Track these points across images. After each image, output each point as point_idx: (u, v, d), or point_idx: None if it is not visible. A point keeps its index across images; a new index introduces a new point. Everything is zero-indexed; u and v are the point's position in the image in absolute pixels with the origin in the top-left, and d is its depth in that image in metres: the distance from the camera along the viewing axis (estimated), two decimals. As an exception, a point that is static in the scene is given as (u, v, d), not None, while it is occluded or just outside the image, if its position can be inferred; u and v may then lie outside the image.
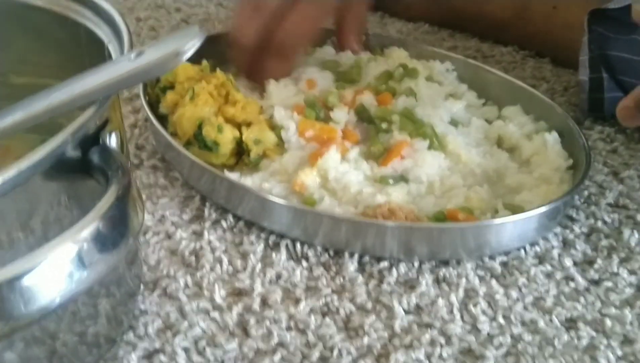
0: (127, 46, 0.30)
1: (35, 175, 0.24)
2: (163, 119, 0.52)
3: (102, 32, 0.33)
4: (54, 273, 0.22)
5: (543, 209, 0.43)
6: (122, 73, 0.25)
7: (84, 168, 0.27)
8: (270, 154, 0.49)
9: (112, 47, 0.32)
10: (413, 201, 0.45)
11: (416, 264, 0.43)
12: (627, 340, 0.38)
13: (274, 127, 0.49)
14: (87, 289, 0.22)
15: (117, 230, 0.23)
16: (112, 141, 0.29)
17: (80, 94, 0.26)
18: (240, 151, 0.50)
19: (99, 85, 0.26)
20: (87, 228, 0.22)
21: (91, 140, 0.27)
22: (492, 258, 0.43)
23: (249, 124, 0.50)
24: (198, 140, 0.48)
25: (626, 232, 0.46)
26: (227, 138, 0.48)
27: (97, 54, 0.34)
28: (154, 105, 0.53)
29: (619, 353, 0.37)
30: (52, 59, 0.39)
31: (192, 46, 0.25)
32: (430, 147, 0.48)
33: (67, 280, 0.22)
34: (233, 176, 0.46)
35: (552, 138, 0.52)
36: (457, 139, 0.50)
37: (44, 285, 0.21)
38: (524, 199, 0.46)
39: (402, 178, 0.47)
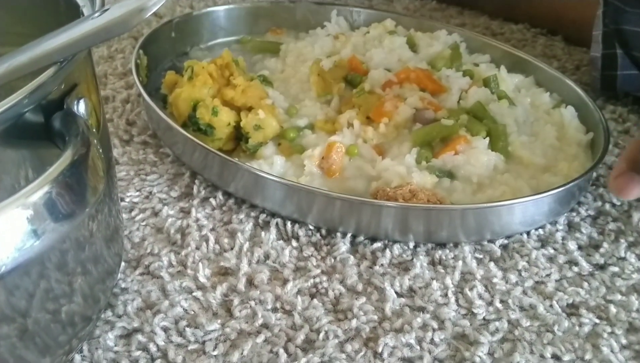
0: (99, 5, 0.28)
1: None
2: (165, 99, 0.50)
3: (78, -5, 0.32)
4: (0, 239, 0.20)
5: (551, 193, 0.41)
6: (83, 32, 0.24)
7: (46, 134, 0.25)
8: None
9: (87, 10, 0.31)
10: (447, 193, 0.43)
11: (411, 245, 0.41)
12: (632, 328, 0.36)
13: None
14: (38, 258, 0.21)
15: (72, 197, 0.22)
16: (80, 107, 0.27)
17: (40, 55, 0.24)
18: (240, 136, 0.47)
19: (59, 45, 0.24)
20: (37, 192, 0.21)
21: (55, 105, 0.26)
22: (491, 240, 0.41)
23: (249, 109, 0.47)
24: (192, 122, 0.46)
25: (635, 215, 0.44)
26: (222, 121, 0.46)
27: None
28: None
29: (623, 341, 0.35)
30: (33, 28, 0.37)
31: (157, 1, 0.23)
32: (494, 148, 0.45)
33: (16, 247, 0.20)
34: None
35: (569, 112, 0.50)
36: (521, 139, 0.47)
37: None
38: (549, 181, 0.44)
39: (450, 174, 0.44)
